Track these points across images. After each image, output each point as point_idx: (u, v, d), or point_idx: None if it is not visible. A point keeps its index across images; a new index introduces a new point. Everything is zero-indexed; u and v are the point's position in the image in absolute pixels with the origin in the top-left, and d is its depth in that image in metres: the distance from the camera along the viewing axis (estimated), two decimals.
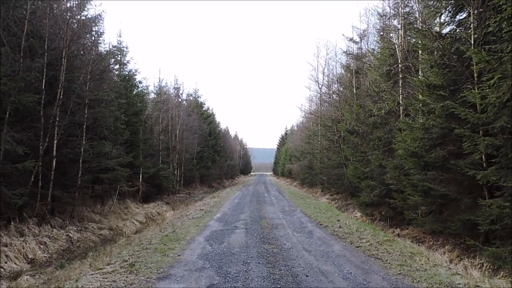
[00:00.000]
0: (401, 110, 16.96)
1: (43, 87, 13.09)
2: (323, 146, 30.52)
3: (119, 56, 24.02)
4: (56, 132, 13.18)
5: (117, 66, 24.06)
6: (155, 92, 35.73)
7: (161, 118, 29.61)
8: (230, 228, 11.26)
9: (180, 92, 44.52)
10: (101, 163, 15.65)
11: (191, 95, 49.53)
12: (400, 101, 16.94)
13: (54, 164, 13.16)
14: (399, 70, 17.33)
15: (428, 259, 7.27)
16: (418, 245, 12.94)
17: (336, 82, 26.33)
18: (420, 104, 12.08)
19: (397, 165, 14.57)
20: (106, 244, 12.90)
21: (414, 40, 16.41)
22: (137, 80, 26.09)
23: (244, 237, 9.63)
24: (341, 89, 25.84)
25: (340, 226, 11.46)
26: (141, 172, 24.13)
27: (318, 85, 34.17)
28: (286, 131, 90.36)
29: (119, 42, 24.10)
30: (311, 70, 50.70)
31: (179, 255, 7.51)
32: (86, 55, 15.13)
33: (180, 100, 43.06)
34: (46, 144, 12.67)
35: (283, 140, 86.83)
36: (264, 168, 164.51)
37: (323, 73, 33.08)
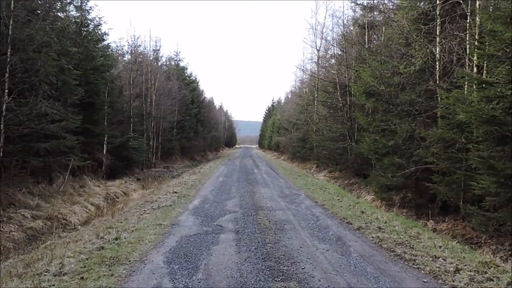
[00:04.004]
0: (437, 66, 12.94)
1: None
2: (321, 115, 26.43)
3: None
4: None
5: (74, 13, 19.29)
6: (129, 52, 30.98)
7: (132, 78, 24.91)
8: (211, 230, 7.15)
9: (160, 55, 39.73)
10: (33, 128, 11.27)
11: (172, 58, 44.56)
12: (437, 54, 12.88)
13: None
14: (437, 13, 13.17)
15: None
16: (473, 247, 9.26)
17: (342, 39, 21.99)
18: (503, 44, 7.95)
19: (443, 137, 10.60)
20: (31, 244, 8.79)
21: None
22: (102, 30, 21.31)
23: (235, 256, 5.55)
24: (345, 49, 21.47)
25: (379, 228, 7.48)
26: (105, 142, 19.75)
27: (316, 46, 29.89)
28: (273, 103, 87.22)
29: None
30: (308, 29, 45.94)
31: None
32: None
33: (159, 64, 38.30)
34: None
35: (270, 112, 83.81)
36: (249, 141, 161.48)
37: (322, 33, 28.76)
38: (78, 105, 15.94)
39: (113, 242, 6.07)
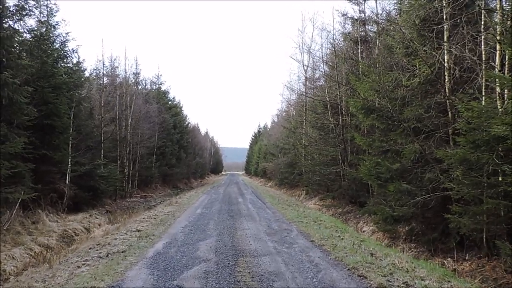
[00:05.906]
0: (446, 76, 11.17)
1: None
2: (311, 138, 24.47)
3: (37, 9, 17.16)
4: None
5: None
6: (104, 73, 28.88)
7: (103, 99, 22.74)
8: None
9: (141, 78, 37.84)
10: None
11: (153, 82, 42.63)
12: (446, 63, 11.12)
13: None
14: (444, 16, 11.47)
15: None
16: None
17: (332, 54, 20.32)
18: None
19: (467, 157, 8.59)
20: None
21: None
22: (69, 48, 19.25)
23: None
24: (336, 64, 19.75)
25: (407, 285, 5.33)
26: (68, 170, 17.37)
27: (304, 66, 28.29)
28: (259, 128, 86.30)
29: None
30: (294, 48, 44.73)
31: None
32: None
33: (140, 88, 36.38)
34: None
35: (256, 138, 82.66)
36: (235, 168, 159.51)
37: (310, 51, 27.20)
38: (31, 127, 13.72)
39: None
